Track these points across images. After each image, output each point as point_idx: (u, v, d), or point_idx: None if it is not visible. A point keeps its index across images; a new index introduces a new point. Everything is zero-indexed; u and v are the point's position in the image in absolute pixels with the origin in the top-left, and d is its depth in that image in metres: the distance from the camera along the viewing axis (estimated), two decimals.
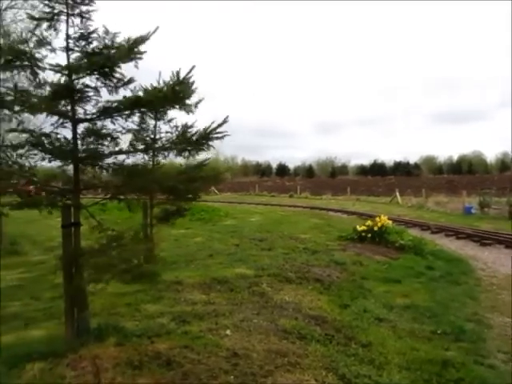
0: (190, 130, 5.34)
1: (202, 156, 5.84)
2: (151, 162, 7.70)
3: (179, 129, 6.23)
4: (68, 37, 4.37)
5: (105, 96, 4.55)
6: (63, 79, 4.35)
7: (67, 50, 4.38)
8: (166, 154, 5.67)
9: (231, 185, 54.54)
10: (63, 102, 4.46)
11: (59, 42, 4.40)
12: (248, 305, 6.21)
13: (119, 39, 4.30)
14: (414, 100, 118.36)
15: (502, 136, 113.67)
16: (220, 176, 7.08)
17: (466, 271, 10.24)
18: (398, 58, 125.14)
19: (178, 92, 4.55)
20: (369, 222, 13.68)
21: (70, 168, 4.59)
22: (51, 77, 4.39)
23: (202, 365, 4.06)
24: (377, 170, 76.60)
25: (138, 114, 4.88)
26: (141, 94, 4.54)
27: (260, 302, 6.37)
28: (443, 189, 41.09)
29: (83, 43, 4.39)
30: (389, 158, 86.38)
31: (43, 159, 4.48)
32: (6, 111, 4.43)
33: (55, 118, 4.45)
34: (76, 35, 4.38)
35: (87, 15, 4.34)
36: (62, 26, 4.36)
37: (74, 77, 4.37)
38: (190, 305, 6.10)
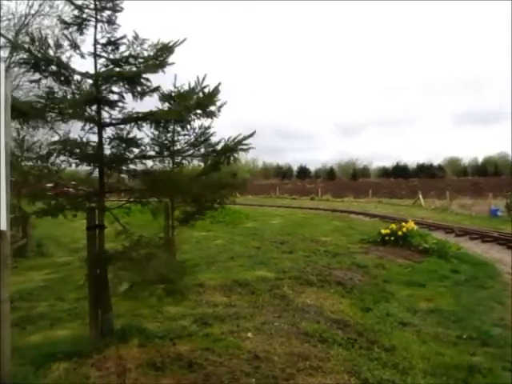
0: (207, 132, 5.38)
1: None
2: (171, 165, 7.79)
3: (196, 130, 6.30)
4: (96, 42, 4.46)
5: (129, 100, 4.64)
6: (90, 85, 4.45)
7: (95, 55, 4.48)
8: (188, 160, 5.73)
9: (252, 187, 54.50)
10: (90, 107, 4.56)
11: (87, 47, 4.51)
12: (269, 308, 6.20)
13: (146, 45, 4.38)
14: (437, 100, 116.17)
15: None
16: (244, 184, 7.12)
17: (492, 275, 9.98)
18: (423, 58, 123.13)
19: (204, 104, 4.63)
20: (392, 226, 13.51)
21: (95, 172, 4.68)
22: (79, 81, 4.49)
23: (224, 367, 4.07)
24: (399, 172, 75.54)
25: (163, 123, 4.97)
26: (166, 105, 4.61)
27: (281, 305, 6.35)
28: (468, 191, 40.21)
29: (110, 49, 4.47)
30: (412, 159, 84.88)
31: (70, 163, 4.58)
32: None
33: (81, 123, 4.54)
34: (103, 40, 4.47)
35: (114, 20, 4.43)
36: (90, 31, 4.46)
37: (100, 83, 4.46)
38: (211, 307, 6.13)
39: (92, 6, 4.35)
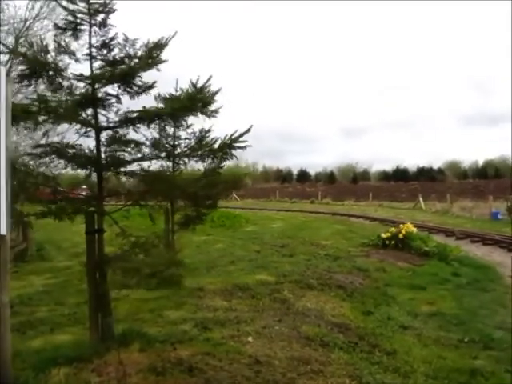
0: (207, 135, 5.36)
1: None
2: (171, 169, 7.80)
3: (197, 134, 6.30)
4: (90, 45, 4.46)
5: (126, 102, 4.63)
6: (85, 88, 4.45)
7: (90, 58, 4.47)
8: (186, 160, 5.72)
9: (252, 191, 54.54)
10: (86, 110, 4.55)
11: (81, 50, 4.51)
12: (269, 311, 6.18)
13: (138, 45, 4.37)
14: (438, 102, 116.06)
15: None
16: (240, 181, 7.11)
17: (493, 278, 9.97)
18: (425, 58, 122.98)
19: (196, 101, 4.61)
20: (392, 229, 13.50)
21: (94, 175, 4.67)
22: (73, 85, 4.49)
23: (224, 372, 4.05)
24: (400, 175, 75.40)
25: (158, 121, 4.94)
26: (161, 104, 4.60)
27: (282, 309, 6.33)
28: (469, 194, 40.12)
29: (105, 51, 4.47)
30: (412, 163, 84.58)
31: (66, 167, 4.58)
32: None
33: (78, 126, 4.54)
34: (98, 43, 4.47)
35: (107, 22, 4.43)
36: (85, 36, 4.46)
37: (96, 86, 4.45)
38: (211, 311, 6.11)
39: (85, 11, 4.34)
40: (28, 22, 12.26)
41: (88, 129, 4.55)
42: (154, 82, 4.64)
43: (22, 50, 4.31)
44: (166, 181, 5.07)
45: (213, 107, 4.86)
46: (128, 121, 4.59)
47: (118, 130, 4.65)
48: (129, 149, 4.69)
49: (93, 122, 4.54)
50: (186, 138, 7.55)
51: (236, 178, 6.16)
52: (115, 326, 4.79)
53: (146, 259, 4.28)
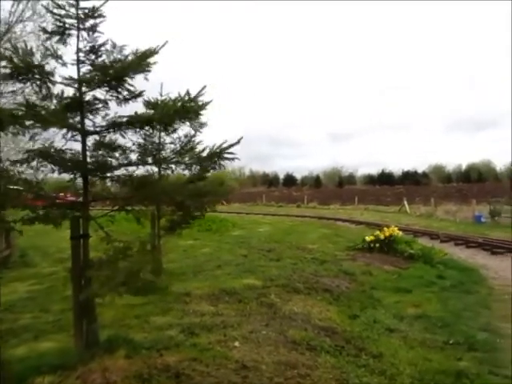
0: (193, 139, 5.35)
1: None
2: (158, 174, 7.79)
3: (182, 139, 6.28)
4: (78, 50, 4.43)
5: (114, 108, 4.61)
6: (73, 92, 4.41)
7: (78, 63, 4.44)
8: (173, 167, 5.70)
9: (239, 195, 54.52)
10: (73, 115, 4.51)
11: (69, 55, 4.48)
12: (256, 316, 6.17)
13: (126, 51, 4.37)
14: (422, 107, 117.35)
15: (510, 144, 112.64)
16: (229, 192, 7.16)
17: (477, 280, 10.11)
18: (412, 62, 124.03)
19: (188, 110, 4.60)
20: (377, 233, 13.61)
21: (80, 180, 4.62)
22: (60, 89, 4.45)
23: (211, 377, 4.03)
24: (385, 179, 76.15)
25: (148, 128, 4.92)
26: (150, 111, 4.58)
27: (269, 313, 6.32)
28: (453, 197, 40.74)
29: (93, 56, 4.45)
30: (397, 167, 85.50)
31: (53, 171, 4.52)
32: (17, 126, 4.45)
33: (64, 130, 4.49)
34: (86, 48, 4.44)
35: (96, 28, 4.41)
36: (73, 40, 4.44)
37: (84, 89, 4.42)
38: (198, 316, 6.07)
39: (74, 16, 4.32)
40: (11, 25, 12.11)
41: (74, 133, 4.51)
42: (143, 91, 4.63)
43: (6, 53, 4.24)
44: (152, 186, 5.04)
45: (201, 119, 4.86)
46: (116, 125, 4.56)
47: (105, 134, 4.62)
48: (116, 154, 4.66)
49: (79, 126, 4.50)
50: (171, 143, 7.56)
51: (225, 188, 6.19)
52: (100, 332, 4.73)
53: (128, 266, 4.23)
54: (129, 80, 4.42)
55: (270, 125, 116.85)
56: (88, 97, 4.49)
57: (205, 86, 4.69)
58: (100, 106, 4.53)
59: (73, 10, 4.31)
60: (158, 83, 7.36)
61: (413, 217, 29.37)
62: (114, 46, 4.37)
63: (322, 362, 4.62)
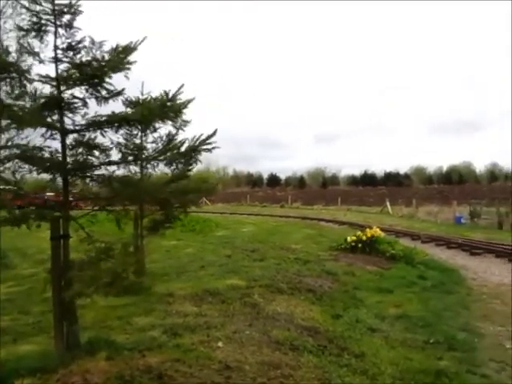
0: (175, 138, 5.31)
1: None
2: (140, 174, 7.72)
3: (164, 138, 6.23)
4: (56, 47, 4.34)
5: (94, 107, 4.54)
6: (51, 90, 4.33)
7: (56, 60, 4.35)
8: (155, 164, 5.66)
9: (223, 195, 54.45)
10: (51, 113, 4.43)
11: (47, 52, 4.39)
12: (240, 316, 6.16)
13: (106, 47, 4.29)
14: (405, 109, 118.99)
15: (491, 147, 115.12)
16: (212, 188, 7.11)
17: (457, 281, 10.27)
18: (396, 66, 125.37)
19: (166, 110, 4.57)
20: (359, 233, 13.72)
21: (60, 180, 4.55)
22: (39, 88, 4.37)
23: (194, 378, 4.01)
24: (368, 180, 76.96)
25: (126, 127, 4.86)
26: (129, 110, 4.53)
27: (252, 314, 6.32)
28: (434, 199, 41.39)
29: (71, 54, 4.37)
30: (380, 168, 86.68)
31: (31, 172, 4.43)
32: None
33: (43, 129, 4.41)
34: (64, 45, 4.36)
35: (73, 24, 4.33)
36: (50, 37, 4.34)
37: (62, 88, 4.35)
38: (181, 317, 6.04)
39: (50, 12, 4.24)
40: None
41: (54, 132, 4.43)
42: (123, 89, 4.57)
43: None
44: (133, 185, 4.99)
45: (184, 117, 4.83)
46: (95, 124, 4.50)
47: (85, 133, 4.55)
48: (96, 153, 4.59)
49: (58, 125, 4.42)
50: (153, 142, 7.48)
51: (208, 185, 6.15)
52: (81, 334, 4.67)
53: (110, 266, 4.18)
54: (107, 79, 4.36)
55: (259, 127, 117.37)
56: (66, 95, 4.40)
57: (182, 85, 4.68)
58: (79, 104, 4.45)
59: (49, 6, 4.23)
60: (157, 82, 7.32)
61: (395, 217, 29.71)
62: (92, 42, 4.29)
63: (304, 361, 4.64)
